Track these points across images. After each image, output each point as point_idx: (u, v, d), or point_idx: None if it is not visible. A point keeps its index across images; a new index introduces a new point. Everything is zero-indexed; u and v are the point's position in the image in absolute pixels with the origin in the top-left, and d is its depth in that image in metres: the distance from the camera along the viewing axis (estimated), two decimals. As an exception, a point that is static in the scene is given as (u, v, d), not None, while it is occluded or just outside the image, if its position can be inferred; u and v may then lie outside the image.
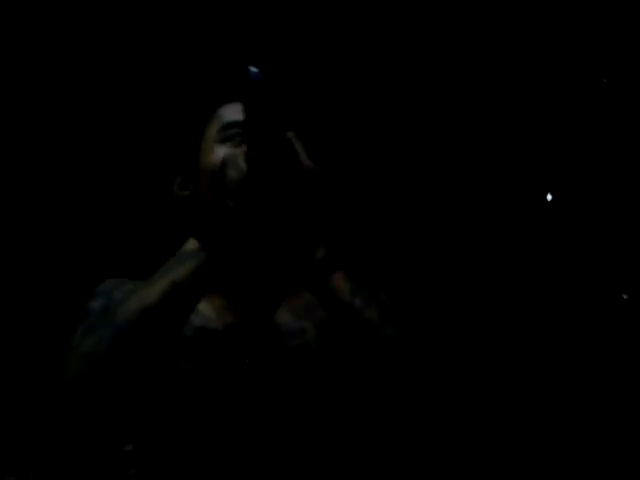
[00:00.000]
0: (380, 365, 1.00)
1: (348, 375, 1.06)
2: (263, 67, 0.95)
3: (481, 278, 2.62)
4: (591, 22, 2.42)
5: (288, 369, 1.10)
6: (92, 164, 2.52)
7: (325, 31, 2.41)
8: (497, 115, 2.63)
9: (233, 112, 1.19)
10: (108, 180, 2.53)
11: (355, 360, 1.02)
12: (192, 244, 1.02)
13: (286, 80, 1.00)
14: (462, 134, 2.63)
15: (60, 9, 2.32)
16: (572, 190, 2.63)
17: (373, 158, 2.63)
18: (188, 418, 1.07)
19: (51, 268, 2.51)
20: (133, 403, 1.00)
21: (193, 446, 1.06)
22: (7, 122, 2.46)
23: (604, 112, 2.54)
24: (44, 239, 2.53)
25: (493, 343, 2.53)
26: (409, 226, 2.63)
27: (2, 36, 2.32)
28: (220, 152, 1.14)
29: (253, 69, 0.95)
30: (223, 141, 1.17)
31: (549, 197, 2.70)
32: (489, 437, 2.38)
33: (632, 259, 2.54)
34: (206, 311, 1.15)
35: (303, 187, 1.01)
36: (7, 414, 2.24)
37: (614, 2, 2.40)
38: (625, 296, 2.55)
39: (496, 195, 2.68)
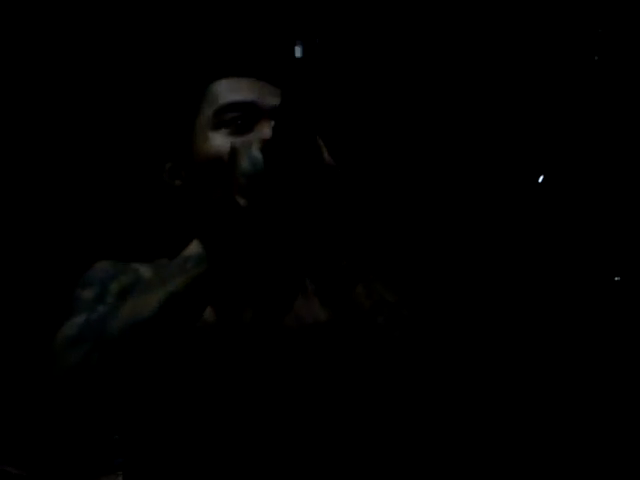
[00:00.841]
0: (401, 384, 0.94)
1: (357, 382, 0.99)
2: (306, 45, 0.81)
3: (491, 282, 2.61)
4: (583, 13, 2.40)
5: (292, 374, 1.02)
6: (79, 149, 2.47)
7: (333, 33, 2.35)
8: (496, 111, 2.61)
9: (230, 90, 1.07)
10: (96, 164, 2.48)
11: (378, 377, 0.95)
12: (196, 247, 0.93)
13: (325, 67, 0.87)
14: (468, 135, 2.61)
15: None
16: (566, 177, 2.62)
17: (384, 164, 2.59)
18: (180, 415, 1.02)
19: (38, 254, 2.47)
20: (125, 410, 0.94)
21: (183, 443, 1.00)
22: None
23: (598, 100, 2.52)
24: (31, 228, 2.49)
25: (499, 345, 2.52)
26: (423, 232, 2.61)
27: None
28: (216, 139, 1.02)
29: (298, 47, 0.80)
30: (218, 126, 1.04)
31: (540, 179, 2.68)
32: (496, 438, 2.38)
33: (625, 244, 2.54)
34: (207, 314, 1.03)
35: (325, 187, 0.88)
36: (6, 405, 2.21)
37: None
38: (617, 278, 2.54)
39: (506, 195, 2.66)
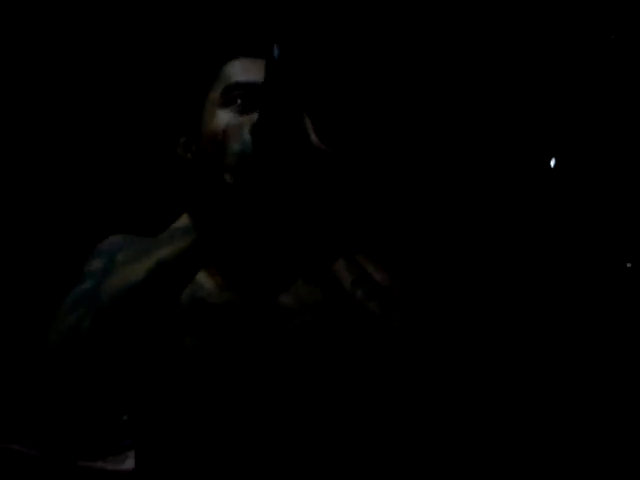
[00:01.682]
0: (382, 358, 0.98)
1: (346, 363, 1.02)
2: (283, 44, 0.88)
3: (483, 267, 2.61)
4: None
5: (285, 351, 1.06)
6: (96, 127, 2.48)
7: (334, 20, 2.35)
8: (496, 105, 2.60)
9: (239, 71, 1.12)
10: (112, 142, 2.49)
11: (356, 351, 0.99)
12: (185, 220, 0.97)
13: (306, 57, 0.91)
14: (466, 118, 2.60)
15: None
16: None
17: (375, 145, 2.59)
18: (186, 394, 1.04)
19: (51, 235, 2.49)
20: (123, 378, 0.96)
21: (190, 423, 1.03)
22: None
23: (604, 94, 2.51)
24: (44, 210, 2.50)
25: (496, 335, 2.52)
26: (411, 213, 2.61)
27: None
28: (222, 117, 1.06)
29: (276, 48, 0.87)
30: (225, 104, 1.09)
31: (552, 163, 2.67)
32: (488, 433, 2.38)
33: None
34: (208, 285, 1.10)
35: (310, 168, 0.93)
36: (9, 382, 2.22)
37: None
38: (629, 264, 2.53)
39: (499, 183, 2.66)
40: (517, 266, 2.64)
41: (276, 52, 0.87)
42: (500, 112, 2.61)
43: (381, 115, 2.58)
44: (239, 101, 1.08)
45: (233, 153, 0.92)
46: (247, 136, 0.92)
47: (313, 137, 0.94)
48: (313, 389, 1.05)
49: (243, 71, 1.12)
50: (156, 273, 0.92)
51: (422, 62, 2.52)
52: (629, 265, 2.53)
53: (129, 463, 2.01)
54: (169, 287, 0.94)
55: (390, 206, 2.61)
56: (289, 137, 0.90)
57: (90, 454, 2.02)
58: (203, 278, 1.10)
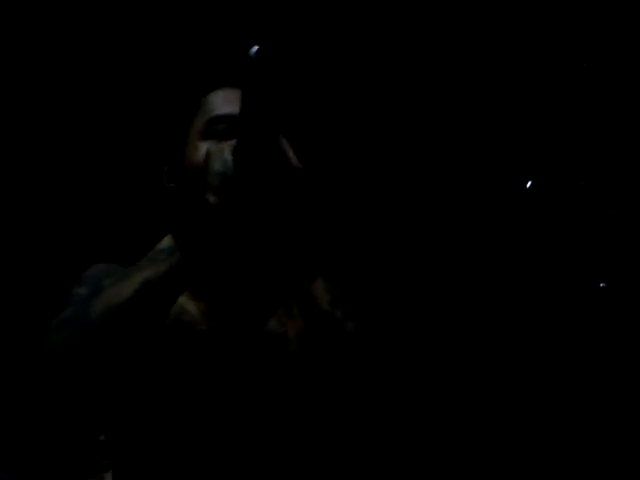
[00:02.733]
0: (359, 374, 1.00)
1: (327, 381, 1.03)
2: (263, 46, 0.88)
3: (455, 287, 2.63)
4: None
5: (268, 373, 1.07)
6: (82, 151, 2.49)
7: (303, 34, 2.38)
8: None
9: (221, 102, 1.13)
10: (100, 167, 2.50)
11: (334, 368, 1.00)
12: (169, 241, 0.98)
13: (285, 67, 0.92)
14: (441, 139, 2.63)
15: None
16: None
17: (350, 163, 2.61)
18: (168, 416, 1.04)
19: (38, 253, 2.48)
20: (108, 398, 0.98)
21: (170, 444, 1.04)
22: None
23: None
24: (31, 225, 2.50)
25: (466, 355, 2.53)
26: (385, 232, 2.63)
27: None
28: (203, 149, 1.06)
29: (254, 48, 0.88)
30: (207, 137, 1.10)
31: (528, 184, 2.70)
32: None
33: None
34: (192, 311, 1.11)
35: (290, 187, 0.95)
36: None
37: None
38: (602, 284, 2.55)
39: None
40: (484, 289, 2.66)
41: (254, 51, 0.87)
42: (468, 138, 2.64)
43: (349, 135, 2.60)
44: (221, 132, 1.09)
45: (215, 173, 0.93)
46: (229, 157, 0.93)
47: (292, 156, 0.95)
48: (299, 417, 1.06)
49: (225, 103, 1.13)
50: (142, 292, 0.94)
51: (391, 84, 2.55)
52: (602, 285, 2.56)
53: (107, 484, 2.00)
54: (155, 306, 0.95)
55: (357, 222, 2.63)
56: (268, 156, 0.92)
57: (69, 475, 2.00)
58: (187, 303, 1.11)
